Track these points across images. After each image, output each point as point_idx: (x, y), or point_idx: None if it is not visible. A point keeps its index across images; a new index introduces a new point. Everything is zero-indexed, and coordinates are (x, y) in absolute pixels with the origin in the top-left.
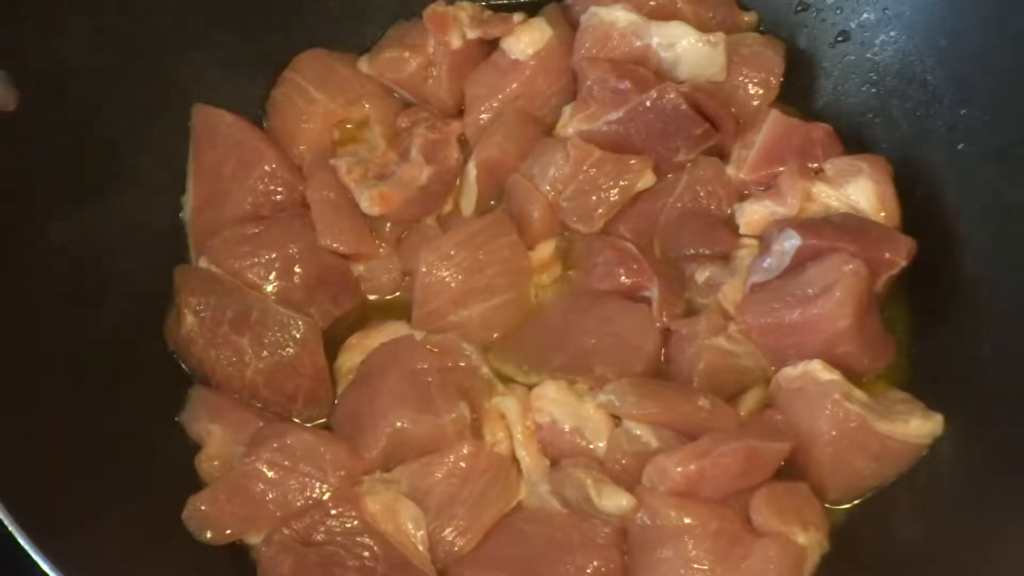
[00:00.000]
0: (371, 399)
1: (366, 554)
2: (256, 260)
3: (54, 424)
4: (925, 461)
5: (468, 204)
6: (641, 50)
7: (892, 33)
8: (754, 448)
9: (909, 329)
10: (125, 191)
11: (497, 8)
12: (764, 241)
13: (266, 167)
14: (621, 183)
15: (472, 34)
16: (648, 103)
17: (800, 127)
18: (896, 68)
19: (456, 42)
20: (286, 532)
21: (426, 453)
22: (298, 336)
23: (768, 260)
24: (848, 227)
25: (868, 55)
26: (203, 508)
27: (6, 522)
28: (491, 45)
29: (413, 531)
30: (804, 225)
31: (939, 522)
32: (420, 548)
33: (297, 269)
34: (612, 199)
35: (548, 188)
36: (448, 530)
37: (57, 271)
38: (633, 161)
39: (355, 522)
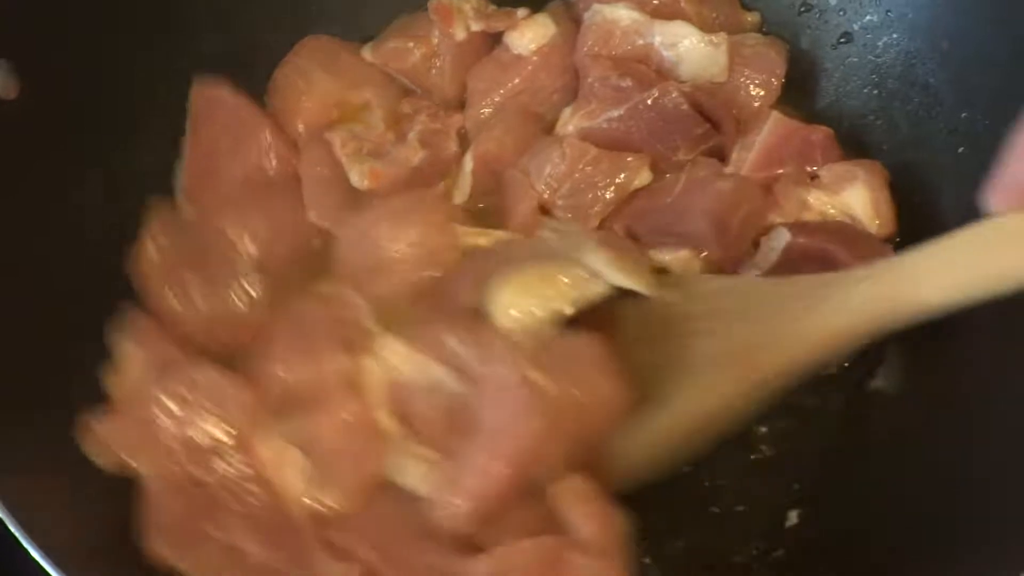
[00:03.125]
0: (262, 343)
1: (253, 502)
2: (239, 221)
3: None
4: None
5: (461, 195)
6: (643, 49)
7: (895, 35)
8: None
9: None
10: (124, 181)
11: (502, 3)
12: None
13: (262, 140)
14: (617, 181)
15: (476, 27)
16: (649, 101)
17: (800, 129)
18: (898, 71)
19: (460, 34)
20: (177, 469)
21: (314, 403)
22: (253, 296)
23: (756, 258)
24: (840, 232)
25: (870, 57)
26: (99, 430)
27: None
28: (495, 39)
29: (298, 484)
30: (795, 226)
31: None
32: (303, 501)
33: (278, 240)
34: (608, 197)
35: (543, 187)
36: (328, 486)
37: (57, 263)
38: (630, 159)
39: (247, 469)
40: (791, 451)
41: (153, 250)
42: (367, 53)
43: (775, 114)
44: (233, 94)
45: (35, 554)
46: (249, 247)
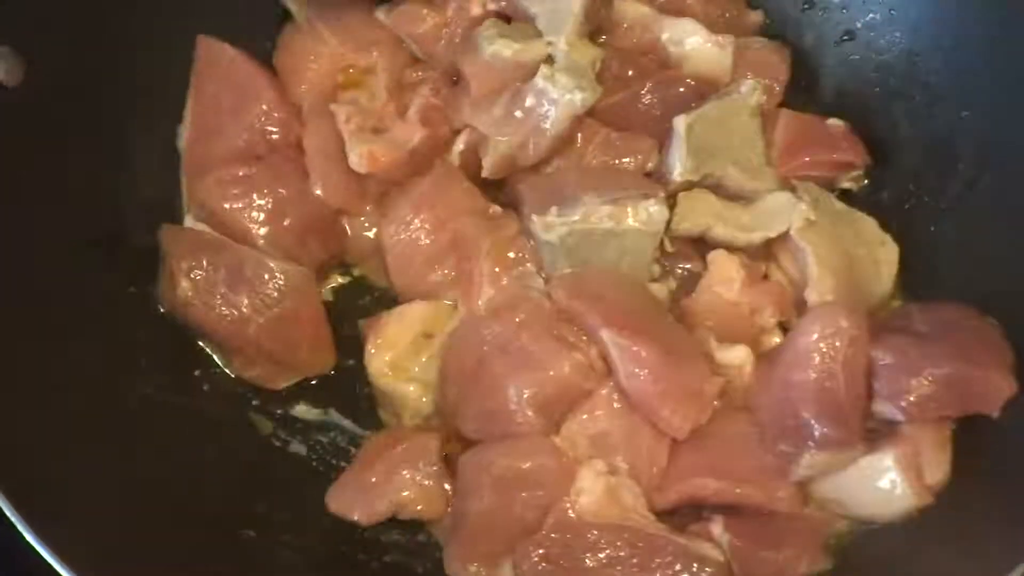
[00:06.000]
0: (490, 385)
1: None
2: (247, 203)
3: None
4: None
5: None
6: (650, 42)
7: (897, 34)
8: None
9: None
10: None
11: None
12: None
13: (263, 105)
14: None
15: (492, 6)
16: (647, 90)
17: (816, 122)
18: (900, 69)
19: (476, 9)
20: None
21: (569, 403)
22: (295, 286)
23: None
24: None
25: (872, 55)
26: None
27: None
28: (506, 21)
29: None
30: None
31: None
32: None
33: (287, 214)
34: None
35: None
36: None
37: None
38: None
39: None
40: None
41: (186, 283)
42: (381, 14)
43: (785, 112)
44: (236, 51)
45: None
46: (260, 229)
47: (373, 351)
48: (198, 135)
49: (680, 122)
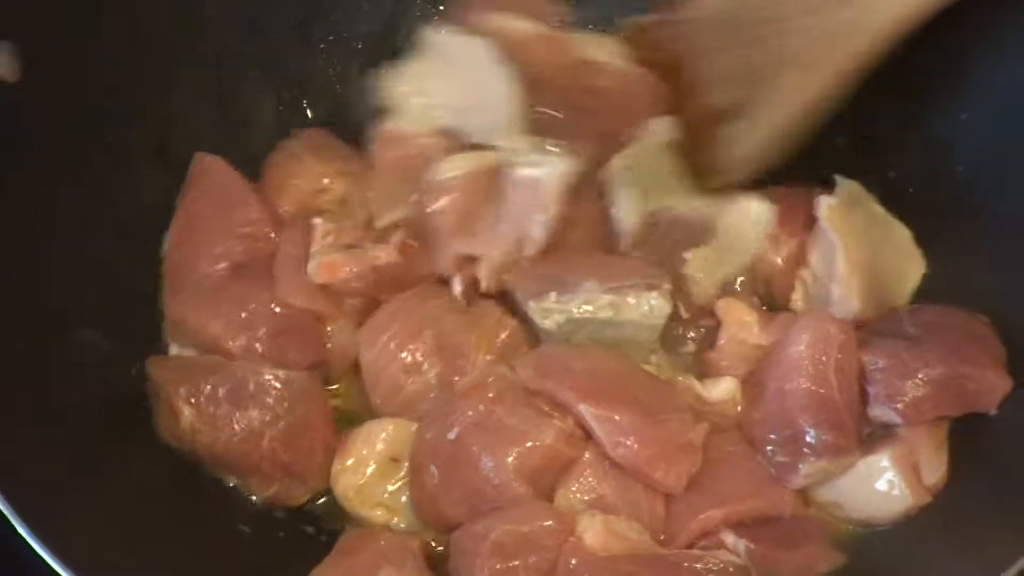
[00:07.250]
0: (473, 463)
1: None
2: (219, 313)
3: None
4: None
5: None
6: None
7: None
8: None
9: None
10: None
11: None
12: None
13: (247, 214)
14: None
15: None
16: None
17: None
18: (895, 67)
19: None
20: None
21: (556, 472)
22: (302, 391)
23: None
24: None
25: None
26: None
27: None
28: None
29: (638, 539)
30: None
31: None
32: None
33: (261, 323)
34: None
35: None
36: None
37: (59, 255)
38: None
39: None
40: None
41: (189, 410)
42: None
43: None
44: (228, 167)
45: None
46: (236, 340)
47: (339, 472)
48: (180, 240)
49: (617, 163)
